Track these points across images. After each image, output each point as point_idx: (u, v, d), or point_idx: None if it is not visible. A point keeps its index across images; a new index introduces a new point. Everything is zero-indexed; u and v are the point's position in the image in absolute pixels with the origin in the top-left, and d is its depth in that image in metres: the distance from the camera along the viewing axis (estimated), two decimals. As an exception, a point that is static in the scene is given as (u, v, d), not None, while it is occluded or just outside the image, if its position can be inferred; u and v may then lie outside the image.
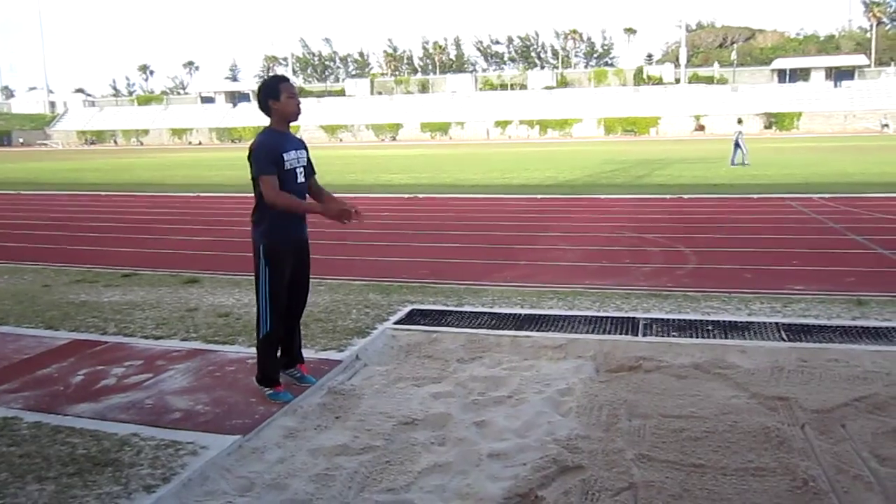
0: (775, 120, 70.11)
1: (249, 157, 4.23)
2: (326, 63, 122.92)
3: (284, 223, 4.29)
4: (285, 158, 4.22)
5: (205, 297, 6.95)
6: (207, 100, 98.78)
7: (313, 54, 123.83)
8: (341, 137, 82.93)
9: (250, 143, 4.31)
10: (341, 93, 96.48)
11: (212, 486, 3.35)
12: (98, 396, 4.38)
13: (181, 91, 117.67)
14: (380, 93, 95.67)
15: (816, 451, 3.49)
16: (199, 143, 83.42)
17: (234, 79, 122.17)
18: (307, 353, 4.82)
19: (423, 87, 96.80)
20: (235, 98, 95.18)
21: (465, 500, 3.21)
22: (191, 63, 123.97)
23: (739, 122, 27.08)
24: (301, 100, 4.41)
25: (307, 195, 4.45)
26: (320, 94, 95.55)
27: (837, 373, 4.53)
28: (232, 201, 16.60)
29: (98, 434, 3.79)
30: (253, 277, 4.36)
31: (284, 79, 4.38)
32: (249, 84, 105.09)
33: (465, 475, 3.41)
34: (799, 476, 3.23)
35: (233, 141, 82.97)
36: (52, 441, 3.72)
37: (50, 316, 6.27)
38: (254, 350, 4.55)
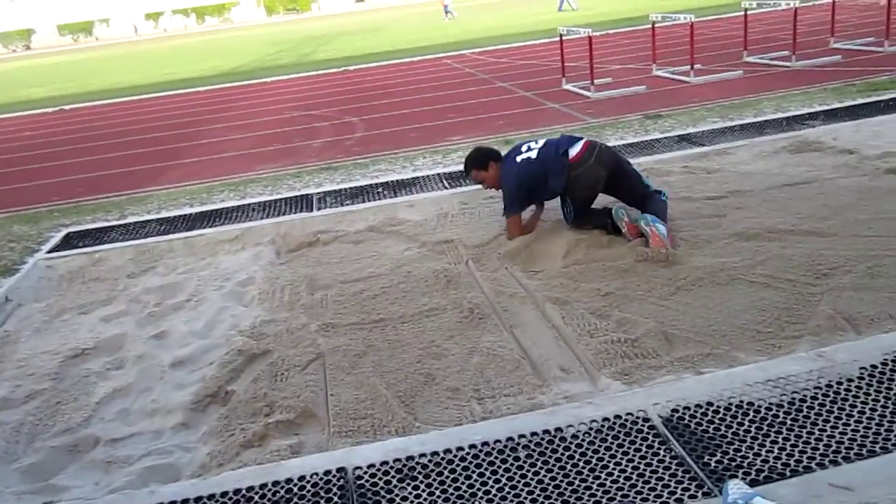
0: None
1: None
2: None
3: None
4: None
5: None
6: None
7: None
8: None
9: None
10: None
11: None
12: None
13: None
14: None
15: (479, 281, 3.83)
16: None
17: None
18: (-63, 309, 4.12)
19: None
20: None
21: (152, 417, 3.04)
22: None
23: None
24: None
25: None
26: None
27: (491, 209, 4.97)
28: None
29: None
30: None
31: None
32: None
33: (149, 392, 3.23)
34: (465, 307, 3.52)
35: None
36: None
37: None
38: None
